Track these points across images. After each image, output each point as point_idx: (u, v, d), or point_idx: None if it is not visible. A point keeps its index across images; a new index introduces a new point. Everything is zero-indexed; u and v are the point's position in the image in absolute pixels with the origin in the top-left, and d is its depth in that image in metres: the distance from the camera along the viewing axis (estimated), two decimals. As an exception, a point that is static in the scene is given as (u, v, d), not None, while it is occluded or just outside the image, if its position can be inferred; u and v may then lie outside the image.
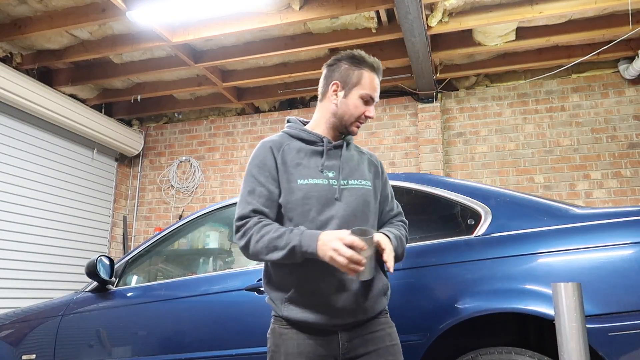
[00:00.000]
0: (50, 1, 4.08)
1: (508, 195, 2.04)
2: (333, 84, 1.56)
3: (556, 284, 1.30)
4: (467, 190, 2.09)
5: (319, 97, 1.63)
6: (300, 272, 1.44)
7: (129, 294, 2.52)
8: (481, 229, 1.95)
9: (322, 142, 1.56)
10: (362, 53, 1.56)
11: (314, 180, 1.48)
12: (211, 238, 4.96)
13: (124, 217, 6.18)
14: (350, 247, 1.30)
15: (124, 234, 6.09)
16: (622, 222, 1.76)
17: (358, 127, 1.58)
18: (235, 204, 2.64)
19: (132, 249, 3.24)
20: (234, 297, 2.20)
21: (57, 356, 2.49)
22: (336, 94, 1.55)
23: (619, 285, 1.63)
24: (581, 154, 4.88)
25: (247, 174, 1.53)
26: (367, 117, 1.56)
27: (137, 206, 6.23)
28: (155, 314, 2.36)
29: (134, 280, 2.81)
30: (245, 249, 1.44)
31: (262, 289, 1.78)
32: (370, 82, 1.54)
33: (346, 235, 1.33)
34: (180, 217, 5.94)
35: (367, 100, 1.55)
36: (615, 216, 1.80)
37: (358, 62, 1.54)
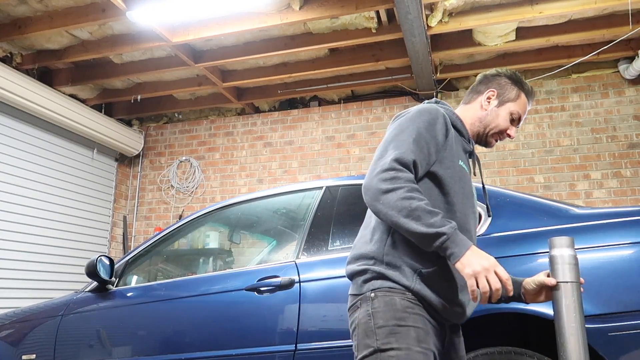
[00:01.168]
0: (50, 1, 4.07)
1: (508, 195, 2.04)
2: (490, 91, 1.58)
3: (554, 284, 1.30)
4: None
5: (466, 99, 1.64)
6: None
7: (129, 294, 2.52)
8: (481, 229, 1.95)
9: (470, 141, 1.57)
10: (521, 77, 1.62)
11: (465, 168, 1.49)
12: (211, 238, 4.97)
13: (124, 217, 6.18)
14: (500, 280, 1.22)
15: (124, 234, 6.09)
16: (622, 222, 1.75)
17: (496, 141, 1.60)
18: (234, 204, 2.65)
19: (132, 249, 3.24)
20: (234, 297, 2.20)
21: (57, 356, 2.49)
22: (489, 101, 1.57)
23: (619, 285, 1.62)
24: (581, 154, 4.87)
25: (411, 123, 1.40)
26: (507, 135, 1.58)
27: (137, 206, 6.22)
28: (155, 314, 2.36)
29: (134, 280, 2.81)
30: (381, 193, 1.28)
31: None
32: (524, 104, 1.60)
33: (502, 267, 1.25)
34: (180, 217, 5.94)
35: (514, 120, 1.57)
36: (615, 216, 1.79)
37: (519, 82, 1.59)
